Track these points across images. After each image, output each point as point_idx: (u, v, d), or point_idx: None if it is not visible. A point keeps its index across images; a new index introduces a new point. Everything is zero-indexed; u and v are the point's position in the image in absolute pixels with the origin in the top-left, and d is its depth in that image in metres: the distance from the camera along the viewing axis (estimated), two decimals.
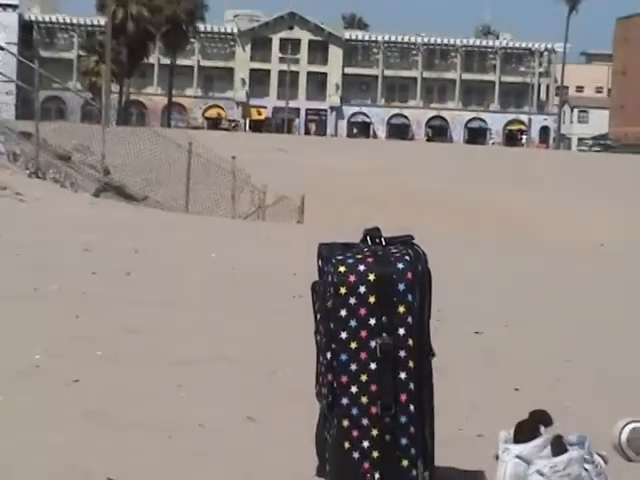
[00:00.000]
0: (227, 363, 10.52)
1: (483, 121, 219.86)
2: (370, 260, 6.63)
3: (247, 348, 10.97)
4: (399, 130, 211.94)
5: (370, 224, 6.93)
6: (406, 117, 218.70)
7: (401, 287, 6.61)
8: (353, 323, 6.59)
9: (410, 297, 6.65)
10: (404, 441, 6.62)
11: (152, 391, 9.46)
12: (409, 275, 6.64)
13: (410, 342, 6.64)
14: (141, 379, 9.99)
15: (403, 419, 6.62)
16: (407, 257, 6.66)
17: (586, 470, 6.53)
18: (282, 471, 7.00)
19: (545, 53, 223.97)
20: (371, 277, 6.59)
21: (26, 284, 15.68)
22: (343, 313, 6.57)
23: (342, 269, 6.59)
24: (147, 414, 8.64)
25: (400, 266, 6.64)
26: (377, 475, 6.61)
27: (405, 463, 6.62)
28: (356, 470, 6.59)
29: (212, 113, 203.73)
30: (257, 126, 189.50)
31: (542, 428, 6.63)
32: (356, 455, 6.59)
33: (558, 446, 6.54)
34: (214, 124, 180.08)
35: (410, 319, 6.65)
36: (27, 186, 29.66)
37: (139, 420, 8.46)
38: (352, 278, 6.60)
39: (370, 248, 6.72)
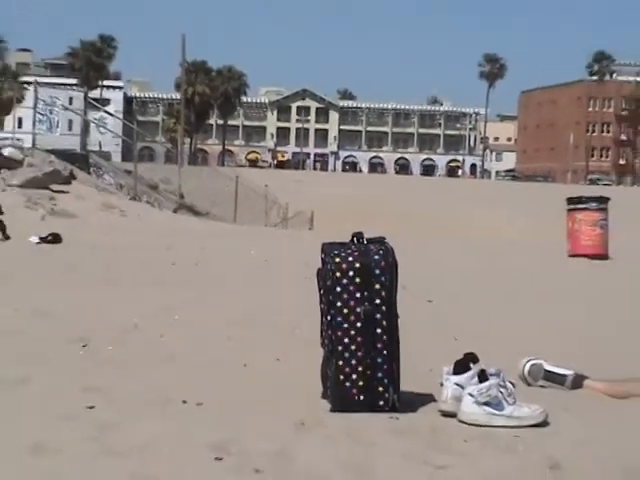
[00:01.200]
0: (261, 323, 10.52)
1: (432, 160, 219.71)
2: (356, 254, 6.72)
3: (274, 313, 10.98)
4: (376, 167, 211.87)
5: (358, 230, 6.99)
6: (381, 158, 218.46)
7: (377, 272, 6.70)
8: (345, 296, 6.67)
9: (383, 278, 6.73)
10: (380, 374, 6.69)
11: (211, 343, 9.46)
12: (382, 263, 6.73)
13: (383, 308, 6.71)
14: (205, 333, 10.00)
15: (379, 360, 6.69)
16: (381, 251, 6.76)
17: (501, 392, 6.55)
18: (299, 392, 7.02)
19: (473, 115, 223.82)
20: (357, 265, 6.68)
21: (130, 272, 15.71)
22: (338, 289, 6.66)
23: (337, 260, 6.68)
24: (210, 357, 8.64)
25: (376, 257, 6.73)
26: (362, 397, 6.67)
27: (381, 389, 6.71)
28: (347, 394, 6.66)
29: (251, 156, 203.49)
30: (281, 165, 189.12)
31: (472, 364, 6.66)
32: (348, 384, 6.66)
33: (482, 376, 6.56)
34: (253, 164, 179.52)
35: (383, 293, 6.73)
36: (128, 206, 29.58)
37: (206, 361, 8.47)
38: (344, 266, 6.68)
39: (356, 245, 6.79)
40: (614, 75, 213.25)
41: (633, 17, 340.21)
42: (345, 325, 6.72)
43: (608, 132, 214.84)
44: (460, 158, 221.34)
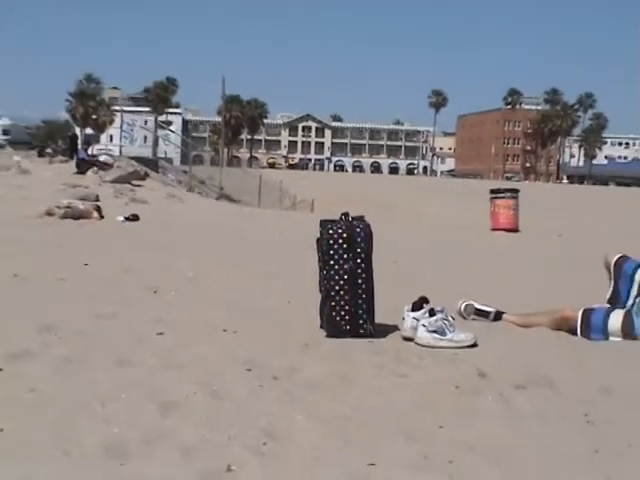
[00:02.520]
0: (276, 276, 10.49)
1: (397, 164, 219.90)
2: (344, 227, 6.71)
3: (287, 269, 10.96)
4: (357, 169, 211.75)
5: (345, 211, 6.97)
6: (360, 162, 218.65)
7: (358, 239, 6.69)
8: (336, 256, 6.65)
9: (363, 244, 6.72)
10: (360, 312, 6.69)
11: (244, 290, 9.45)
12: (362, 234, 6.72)
13: (363, 265, 6.72)
14: (239, 284, 10.02)
15: (360, 301, 6.68)
16: (361, 225, 6.75)
17: (445, 323, 6.54)
18: (304, 324, 7.00)
19: (425, 132, 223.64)
20: (344, 235, 6.67)
21: (186, 241, 15.68)
22: (331, 252, 6.65)
23: (330, 231, 6.67)
24: (243, 300, 8.64)
25: (358, 230, 6.72)
26: (348, 327, 6.67)
27: (361, 322, 6.71)
28: (338, 325, 6.66)
29: (270, 161, 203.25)
30: (292, 167, 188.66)
31: (424, 304, 6.65)
32: (338, 318, 6.66)
33: (432, 312, 6.55)
34: (271, 166, 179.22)
35: (363, 255, 6.72)
36: (185, 195, 29.55)
37: (240, 303, 8.48)
38: (335, 235, 6.67)
39: (344, 221, 6.77)
40: (522, 105, 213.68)
41: (536, 63, 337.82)
42: (336, 277, 6.71)
43: (518, 144, 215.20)
44: (416, 162, 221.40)
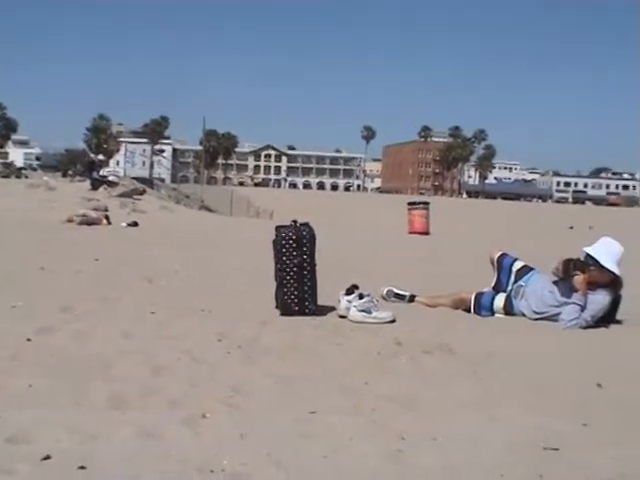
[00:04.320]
0: (242, 269, 10.48)
1: (337, 183, 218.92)
2: (293, 230, 6.73)
3: (251, 263, 10.92)
4: (306, 187, 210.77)
5: (294, 219, 6.97)
6: (309, 181, 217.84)
7: (304, 240, 6.69)
8: (287, 253, 6.67)
9: (308, 244, 6.75)
10: (306, 296, 6.71)
11: (220, 279, 9.45)
12: (307, 236, 6.74)
13: (308, 260, 6.72)
14: (216, 274, 10.02)
15: (305, 288, 6.69)
16: (307, 229, 6.77)
17: (371, 304, 6.57)
18: (263, 304, 6.99)
19: (359, 158, 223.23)
20: (294, 237, 6.67)
21: (175, 240, 15.61)
22: (284, 250, 6.66)
23: (283, 234, 6.66)
24: (219, 287, 8.65)
25: (304, 233, 6.71)
26: (297, 308, 6.68)
27: (307, 303, 6.71)
28: (289, 306, 6.67)
29: (240, 181, 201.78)
30: (257, 185, 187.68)
31: (355, 289, 6.66)
32: (289, 301, 6.69)
33: (361, 296, 6.57)
34: (241, 184, 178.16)
35: (308, 252, 6.74)
36: (174, 207, 29.44)
37: (217, 289, 8.48)
38: (287, 237, 6.68)
39: (293, 226, 6.77)
40: (432, 138, 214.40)
41: (443, 105, 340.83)
42: (287, 269, 6.70)
43: (429, 168, 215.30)
44: (352, 181, 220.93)
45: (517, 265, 7.62)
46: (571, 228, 40.67)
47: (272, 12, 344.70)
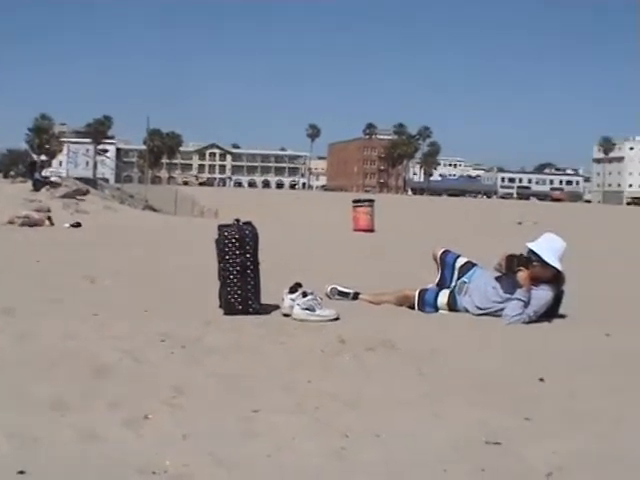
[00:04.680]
0: (186, 268, 10.42)
1: (282, 181, 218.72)
2: (236, 229, 6.71)
3: (194, 262, 10.86)
4: (251, 185, 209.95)
5: (242, 218, 6.95)
6: (254, 180, 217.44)
7: (247, 239, 6.69)
8: (230, 252, 6.65)
9: (251, 243, 6.73)
10: (250, 294, 6.70)
11: (162, 278, 9.39)
12: (250, 235, 6.73)
13: (251, 259, 6.70)
14: (159, 273, 9.95)
15: (249, 287, 6.68)
16: (249, 228, 6.76)
17: (315, 302, 6.57)
18: (207, 304, 6.96)
19: (304, 156, 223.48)
20: (237, 236, 6.67)
21: (117, 239, 15.50)
22: (226, 249, 6.66)
23: (226, 233, 6.66)
24: (160, 286, 8.60)
25: (247, 232, 6.71)
26: (240, 307, 6.68)
27: (250, 302, 6.70)
28: (233, 305, 6.66)
29: (185, 180, 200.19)
30: (201, 184, 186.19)
31: (299, 288, 6.66)
32: (232, 300, 6.68)
33: (304, 294, 6.57)
34: (185, 184, 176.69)
35: (251, 251, 6.73)
36: (118, 207, 29.15)
37: (159, 288, 8.43)
38: (229, 236, 6.67)
39: (236, 225, 6.76)
40: (377, 135, 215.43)
41: (387, 102, 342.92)
42: (230, 268, 6.69)
43: (374, 165, 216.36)
44: (297, 179, 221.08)
45: (460, 261, 7.67)
46: (519, 224, 41.04)
47: (214, 10, 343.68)
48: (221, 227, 6.88)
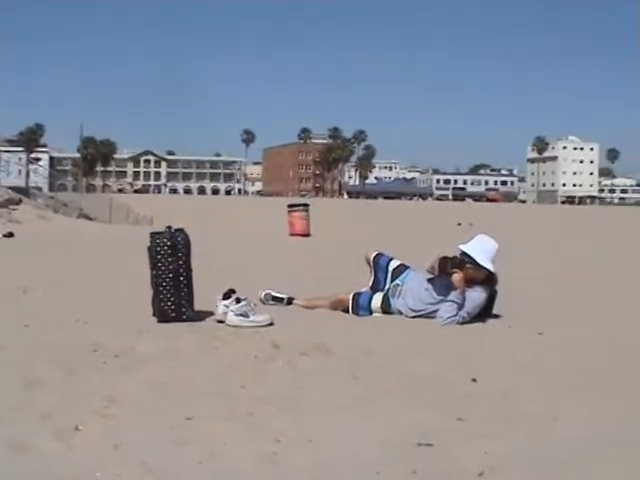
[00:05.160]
0: (119, 276, 10.33)
1: (217, 187, 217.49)
2: (168, 236, 6.67)
3: (127, 272, 10.77)
4: (187, 192, 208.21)
5: (174, 226, 6.91)
6: (190, 186, 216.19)
7: (180, 246, 6.65)
8: (163, 260, 6.60)
9: (184, 250, 6.69)
10: (183, 302, 6.66)
11: (94, 284, 9.32)
12: (183, 242, 6.70)
13: (184, 266, 6.67)
14: (90, 279, 9.86)
15: (182, 293, 6.64)
16: (182, 235, 6.72)
17: (248, 308, 6.57)
18: (140, 313, 6.88)
19: (239, 161, 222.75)
20: (169, 243, 6.61)
21: (50, 248, 15.32)
22: (159, 257, 6.59)
23: (158, 240, 6.60)
24: (94, 294, 8.53)
25: (179, 239, 6.67)
26: (174, 314, 6.63)
27: (184, 309, 6.66)
28: (166, 313, 6.61)
29: (119, 187, 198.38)
30: (136, 191, 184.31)
31: (232, 294, 6.64)
32: (166, 307, 6.62)
33: (238, 300, 6.56)
34: (120, 191, 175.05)
35: (184, 258, 6.69)
36: (52, 216, 28.78)
37: (91, 297, 8.35)
38: (161, 244, 6.62)
39: (168, 232, 6.72)
40: (312, 139, 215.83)
41: (322, 106, 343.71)
42: (163, 276, 6.63)
43: (310, 169, 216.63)
44: (232, 185, 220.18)
45: (393, 264, 7.72)
46: (459, 225, 41.33)
47: (140, 13, 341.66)
48: (153, 234, 6.82)
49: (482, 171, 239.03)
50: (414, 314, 7.35)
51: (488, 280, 7.35)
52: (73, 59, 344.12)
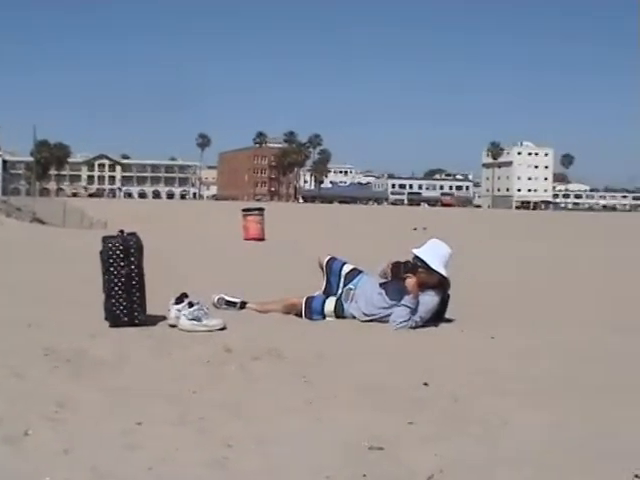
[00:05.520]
0: (70, 281, 10.29)
1: (172, 191, 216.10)
2: (120, 240, 6.64)
3: (79, 275, 10.71)
4: (142, 196, 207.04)
5: (128, 230, 6.88)
6: (144, 190, 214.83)
7: (132, 250, 6.62)
8: (115, 264, 6.56)
9: (136, 254, 6.67)
10: (135, 306, 6.62)
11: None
12: (135, 246, 6.67)
13: (136, 270, 6.63)
14: (49, 283, 9.78)
15: (134, 297, 6.61)
16: (134, 239, 6.68)
17: (201, 312, 6.56)
18: (92, 317, 6.84)
19: (194, 165, 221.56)
20: (121, 247, 6.58)
21: (3, 256, 15.18)
22: (111, 261, 6.55)
23: (110, 244, 6.57)
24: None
25: (131, 243, 6.64)
26: (126, 318, 6.60)
27: (136, 314, 6.63)
28: (118, 317, 6.58)
29: (74, 191, 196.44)
30: (91, 195, 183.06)
31: (185, 298, 6.63)
32: (118, 312, 6.58)
33: (190, 304, 6.56)
34: (74, 195, 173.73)
35: (136, 262, 6.66)
36: (4, 220, 28.62)
37: (44, 298, 8.29)
38: (114, 248, 6.58)
39: (120, 236, 6.70)
40: (267, 144, 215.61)
41: (276, 110, 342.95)
42: (115, 280, 6.59)
43: (265, 174, 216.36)
44: (188, 189, 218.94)
45: (346, 269, 7.75)
46: (415, 229, 41.47)
47: (101, 16, 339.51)
48: (105, 238, 6.78)
49: (437, 176, 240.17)
50: (367, 318, 7.39)
51: (441, 284, 7.40)
52: (24, 59, 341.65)
